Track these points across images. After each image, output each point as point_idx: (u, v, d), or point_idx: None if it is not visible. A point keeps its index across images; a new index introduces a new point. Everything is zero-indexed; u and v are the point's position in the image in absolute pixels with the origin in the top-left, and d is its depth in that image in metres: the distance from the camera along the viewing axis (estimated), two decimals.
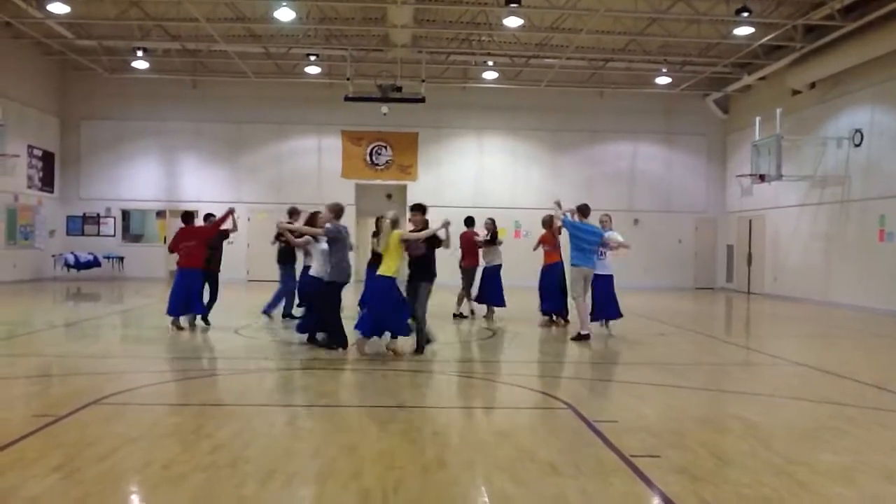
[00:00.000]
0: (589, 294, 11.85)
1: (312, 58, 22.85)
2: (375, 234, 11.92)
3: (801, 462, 5.32)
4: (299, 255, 13.37)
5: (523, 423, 6.66)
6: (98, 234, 25.50)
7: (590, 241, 11.53)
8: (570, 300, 12.43)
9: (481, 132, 26.06)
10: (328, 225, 10.07)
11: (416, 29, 20.48)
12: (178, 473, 4.81)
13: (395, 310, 9.63)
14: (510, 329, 13.10)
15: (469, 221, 14.65)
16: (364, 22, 20.47)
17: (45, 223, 24.20)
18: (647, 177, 26.34)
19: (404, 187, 25.58)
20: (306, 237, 10.87)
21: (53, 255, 24.45)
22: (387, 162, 25.73)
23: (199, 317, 12.23)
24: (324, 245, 10.29)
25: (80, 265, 24.47)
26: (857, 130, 19.15)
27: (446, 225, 9.92)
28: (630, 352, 10.99)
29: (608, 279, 12.03)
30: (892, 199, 17.67)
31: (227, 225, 12.53)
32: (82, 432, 5.75)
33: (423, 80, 22.16)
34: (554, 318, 13.54)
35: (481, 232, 14.72)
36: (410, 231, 9.85)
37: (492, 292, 14.43)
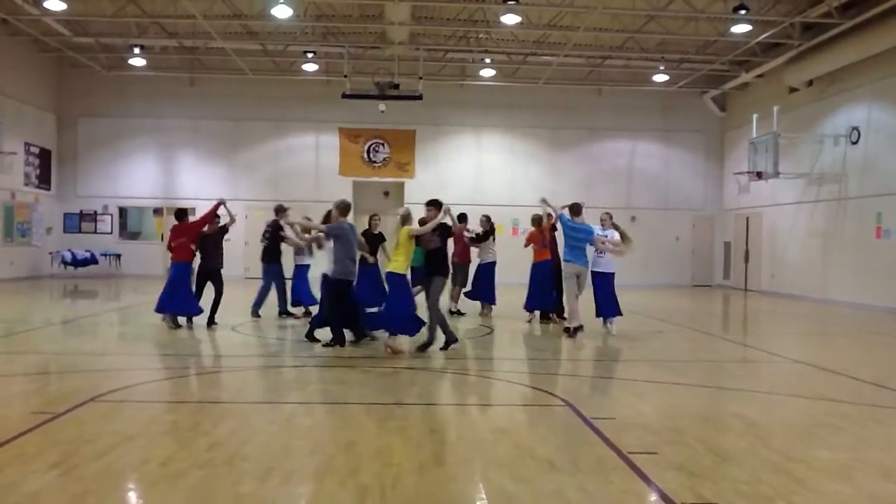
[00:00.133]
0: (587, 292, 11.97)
1: (310, 55, 22.83)
2: (364, 233, 11.97)
3: (799, 459, 5.33)
4: (290, 254, 13.39)
5: (521, 420, 6.67)
6: (95, 232, 25.48)
7: (579, 239, 11.73)
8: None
9: (479, 130, 26.05)
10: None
11: (413, 26, 20.47)
12: (175, 471, 4.82)
13: (403, 307, 9.67)
14: (507, 326, 13.10)
15: (462, 218, 14.65)
16: (361, 19, 20.46)
17: (42, 220, 24.17)
18: (644, 174, 26.36)
19: (402, 185, 25.59)
20: (316, 232, 10.88)
21: (51, 253, 24.42)
22: (384, 159, 25.72)
23: (191, 318, 12.05)
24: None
25: (77, 262, 24.45)
26: (855, 128, 19.17)
27: (447, 211, 9.99)
28: (628, 349, 11.00)
29: (609, 277, 12.01)
30: (889, 196, 17.70)
31: (224, 219, 12.45)
32: (80, 429, 5.75)
33: (421, 78, 22.15)
34: (534, 315, 13.76)
35: (478, 229, 14.74)
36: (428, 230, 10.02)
37: (483, 289, 14.50)
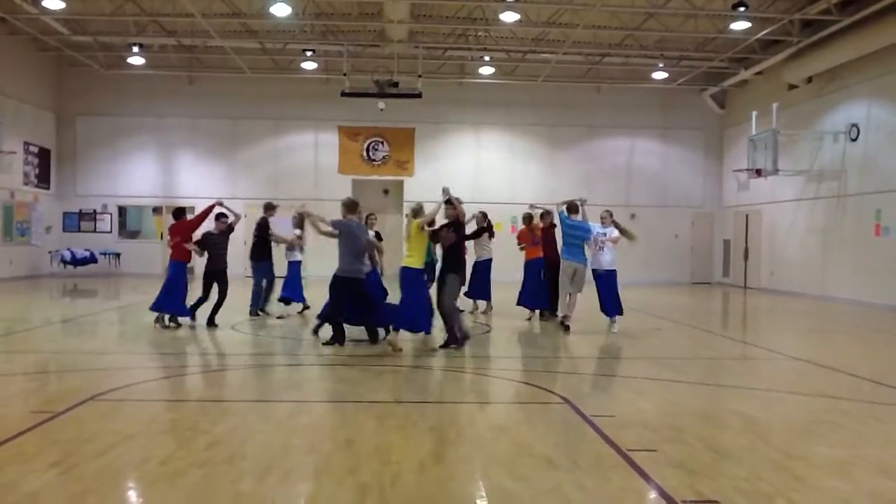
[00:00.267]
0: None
1: (309, 53, 22.81)
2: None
3: (798, 456, 5.34)
4: (281, 252, 13.36)
5: (520, 417, 6.67)
6: (95, 231, 25.46)
7: (576, 237, 11.92)
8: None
9: (478, 127, 26.04)
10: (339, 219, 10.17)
11: (412, 24, 20.45)
12: (175, 469, 4.82)
13: (417, 304, 9.71)
14: (506, 324, 13.10)
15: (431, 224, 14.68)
16: (360, 17, 20.44)
17: (41, 220, 24.16)
18: (643, 172, 26.35)
19: (401, 183, 25.58)
20: (325, 226, 10.87)
21: (50, 252, 24.42)
22: (384, 157, 25.71)
23: (175, 318, 11.89)
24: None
25: (76, 261, 24.44)
26: (854, 125, 19.16)
27: (446, 191, 10.08)
28: (627, 346, 11.00)
29: (610, 274, 12.01)
30: (888, 193, 17.70)
31: (230, 218, 12.41)
32: (80, 428, 5.76)
33: (420, 76, 22.13)
34: (534, 312, 13.80)
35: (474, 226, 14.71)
36: (440, 224, 10.17)
37: (479, 287, 14.51)
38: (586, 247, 11.99)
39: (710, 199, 26.58)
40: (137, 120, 25.31)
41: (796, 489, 4.63)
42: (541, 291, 13.57)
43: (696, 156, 26.58)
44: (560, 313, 12.20)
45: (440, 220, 10.35)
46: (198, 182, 25.27)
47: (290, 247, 13.15)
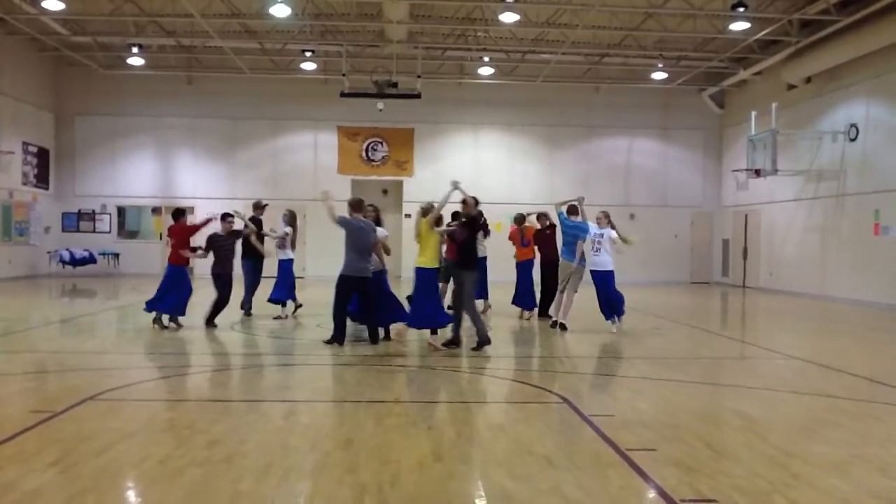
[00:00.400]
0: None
1: (308, 54, 22.81)
2: None
3: (796, 454, 5.35)
4: (272, 251, 13.35)
5: (519, 417, 6.68)
6: (93, 231, 25.46)
7: (574, 237, 12.09)
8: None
9: (477, 128, 26.05)
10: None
11: (411, 24, 20.46)
12: (174, 468, 4.82)
13: (431, 303, 9.76)
14: (504, 323, 13.11)
15: (456, 215, 14.65)
16: (359, 18, 20.45)
17: (40, 220, 24.16)
18: (643, 172, 26.36)
19: (400, 183, 25.59)
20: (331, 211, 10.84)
21: (49, 252, 24.41)
22: (383, 157, 25.71)
23: (168, 317, 11.80)
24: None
25: (75, 262, 24.44)
26: (853, 125, 19.17)
27: (456, 185, 10.18)
28: (626, 346, 11.01)
29: (606, 275, 11.98)
30: (887, 193, 17.71)
31: (238, 224, 12.49)
32: (79, 428, 5.76)
33: (419, 76, 22.15)
34: (532, 311, 13.86)
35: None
36: (450, 223, 10.35)
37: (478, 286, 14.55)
38: (579, 245, 12.02)
39: (710, 198, 26.60)
40: (136, 120, 25.31)
41: (794, 487, 4.64)
42: (532, 292, 13.66)
43: (696, 156, 26.59)
44: (554, 312, 12.25)
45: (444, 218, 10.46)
46: (197, 182, 25.28)
47: (281, 244, 13.13)
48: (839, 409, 6.89)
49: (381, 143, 25.66)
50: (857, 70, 18.83)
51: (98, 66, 23.91)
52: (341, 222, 10.05)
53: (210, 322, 11.79)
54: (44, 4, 18.14)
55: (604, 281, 11.97)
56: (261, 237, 13.26)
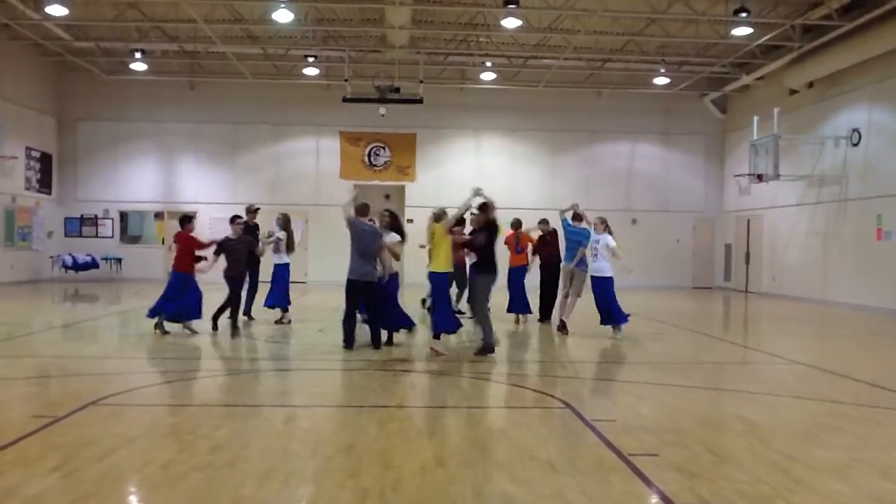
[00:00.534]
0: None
1: (310, 59, 22.85)
2: None
3: (798, 459, 5.34)
4: (269, 253, 13.34)
5: (521, 422, 6.67)
6: (96, 236, 25.48)
7: (573, 241, 12.41)
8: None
9: (479, 133, 26.07)
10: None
11: (413, 30, 20.49)
12: (176, 473, 4.83)
13: (443, 307, 9.80)
14: (505, 329, 13.09)
15: (460, 222, 14.64)
16: (362, 23, 20.49)
17: (42, 224, 24.19)
18: (645, 177, 26.36)
19: (402, 188, 25.61)
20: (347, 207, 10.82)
21: (51, 257, 24.43)
22: (385, 163, 25.74)
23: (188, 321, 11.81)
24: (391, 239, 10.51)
25: (77, 266, 24.46)
26: (855, 130, 19.17)
27: (479, 192, 10.06)
28: (628, 351, 10.99)
29: (605, 281, 11.95)
30: (890, 198, 17.70)
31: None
32: (81, 433, 5.76)
33: (422, 81, 22.18)
34: (525, 318, 13.89)
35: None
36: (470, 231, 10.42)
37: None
38: (580, 250, 12.11)
39: (712, 203, 26.58)
40: (139, 125, 25.35)
41: (796, 492, 4.63)
42: (524, 298, 13.67)
43: (698, 160, 26.58)
44: (556, 315, 12.35)
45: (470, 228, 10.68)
46: (199, 187, 25.32)
47: (277, 248, 13.13)
48: (841, 413, 6.88)
49: (384, 148, 25.69)
50: (860, 75, 18.84)
51: (101, 71, 23.98)
52: (349, 222, 10.17)
53: (214, 324, 11.77)
54: (47, 10, 18.18)
55: (602, 287, 11.93)
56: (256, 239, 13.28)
